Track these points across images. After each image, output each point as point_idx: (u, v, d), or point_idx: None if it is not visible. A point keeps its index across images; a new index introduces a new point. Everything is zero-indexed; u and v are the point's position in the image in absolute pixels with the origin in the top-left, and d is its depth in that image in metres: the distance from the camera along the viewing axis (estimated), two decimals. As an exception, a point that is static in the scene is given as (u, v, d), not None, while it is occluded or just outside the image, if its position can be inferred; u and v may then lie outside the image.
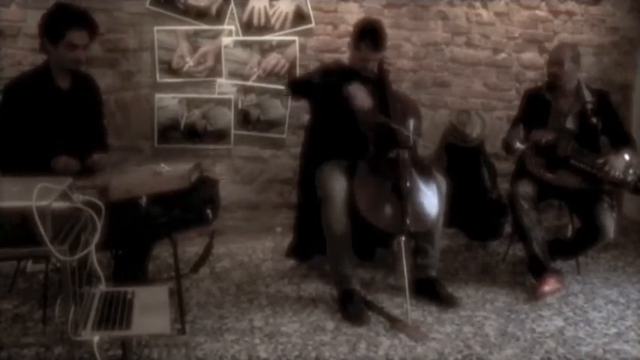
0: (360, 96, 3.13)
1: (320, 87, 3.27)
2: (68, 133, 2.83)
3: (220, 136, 4.19)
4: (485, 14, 4.49)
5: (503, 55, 4.56)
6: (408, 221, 3.03)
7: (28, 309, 3.10)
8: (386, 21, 4.13)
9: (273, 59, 4.16)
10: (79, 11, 2.84)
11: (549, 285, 3.37)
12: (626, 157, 3.40)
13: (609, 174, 3.35)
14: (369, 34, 3.28)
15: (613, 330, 3.03)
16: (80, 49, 2.82)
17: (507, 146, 3.54)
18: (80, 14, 2.83)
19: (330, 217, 3.17)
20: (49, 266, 2.94)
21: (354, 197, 3.12)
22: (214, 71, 4.12)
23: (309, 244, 3.67)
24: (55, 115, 2.82)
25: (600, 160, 3.37)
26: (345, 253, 3.23)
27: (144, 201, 2.58)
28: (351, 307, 3.11)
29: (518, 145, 3.44)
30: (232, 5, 4.06)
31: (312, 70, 3.78)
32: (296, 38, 4.17)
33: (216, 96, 4.15)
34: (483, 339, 2.90)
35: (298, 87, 3.47)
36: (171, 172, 2.80)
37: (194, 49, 4.06)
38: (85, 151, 2.85)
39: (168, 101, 4.08)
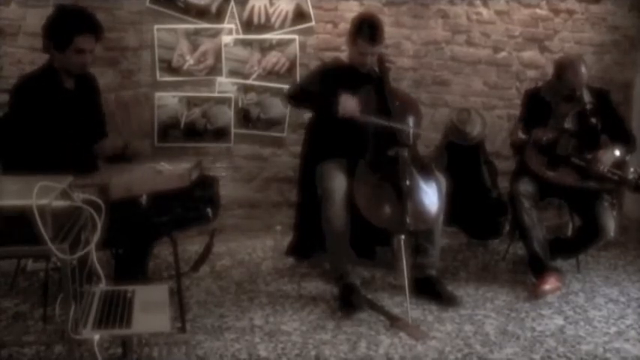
0: (349, 106, 3.14)
1: (318, 98, 3.28)
2: (75, 131, 2.84)
3: (220, 134, 4.18)
4: (485, 13, 4.47)
5: (503, 54, 4.55)
6: (407, 220, 3.03)
7: (29, 307, 3.10)
8: (386, 19, 4.12)
9: (273, 58, 4.16)
10: (85, 15, 2.81)
11: (549, 284, 3.37)
12: (616, 152, 3.40)
13: (594, 168, 3.35)
14: (365, 27, 3.26)
15: (613, 329, 3.03)
16: (87, 53, 2.81)
17: (513, 142, 3.65)
18: (87, 18, 2.80)
19: (330, 215, 3.18)
20: (49, 265, 2.94)
21: (354, 195, 3.12)
22: (214, 70, 4.11)
23: (309, 242, 3.68)
24: (63, 114, 2.82)
25: (589, 156, 3.38)
26: (344, 251, 3.25)
27: (144, 199, 2.58)
28: (353, 298, 3.12)
29: (521, 134, 3.50)
30: (232, 4, 4.05)
31: (310, 72, 3.77)
32: (296, 37, 4.16)
33: (216, 94, 4.14)
34: (484, 338, 2.90)
35: (297, 99, 3.45)
36: (172, 170, 2.80)
37: (194, 47, 4.06)
38: (89, 143, 2.93)
39: (169, 100, 4.08)
